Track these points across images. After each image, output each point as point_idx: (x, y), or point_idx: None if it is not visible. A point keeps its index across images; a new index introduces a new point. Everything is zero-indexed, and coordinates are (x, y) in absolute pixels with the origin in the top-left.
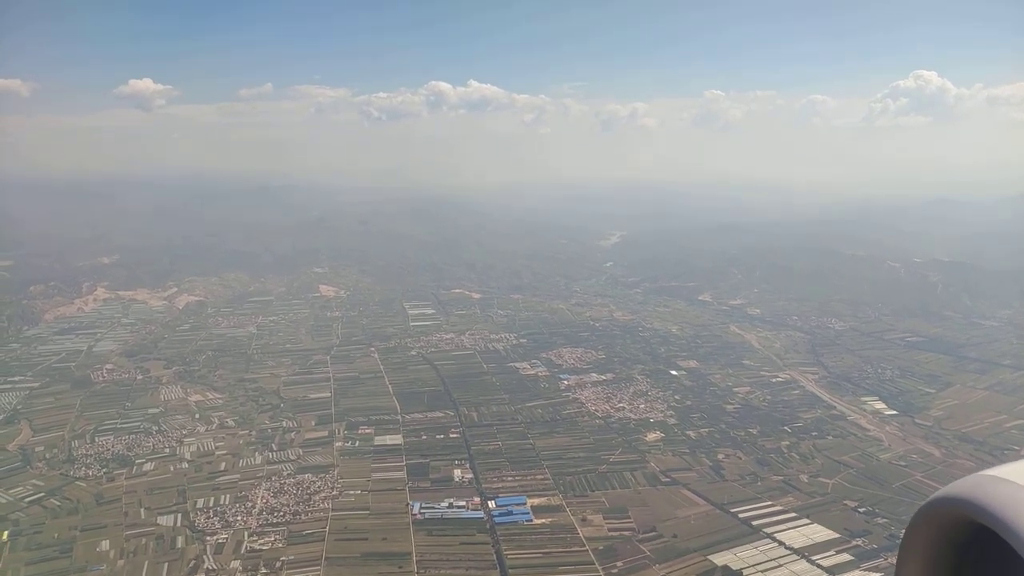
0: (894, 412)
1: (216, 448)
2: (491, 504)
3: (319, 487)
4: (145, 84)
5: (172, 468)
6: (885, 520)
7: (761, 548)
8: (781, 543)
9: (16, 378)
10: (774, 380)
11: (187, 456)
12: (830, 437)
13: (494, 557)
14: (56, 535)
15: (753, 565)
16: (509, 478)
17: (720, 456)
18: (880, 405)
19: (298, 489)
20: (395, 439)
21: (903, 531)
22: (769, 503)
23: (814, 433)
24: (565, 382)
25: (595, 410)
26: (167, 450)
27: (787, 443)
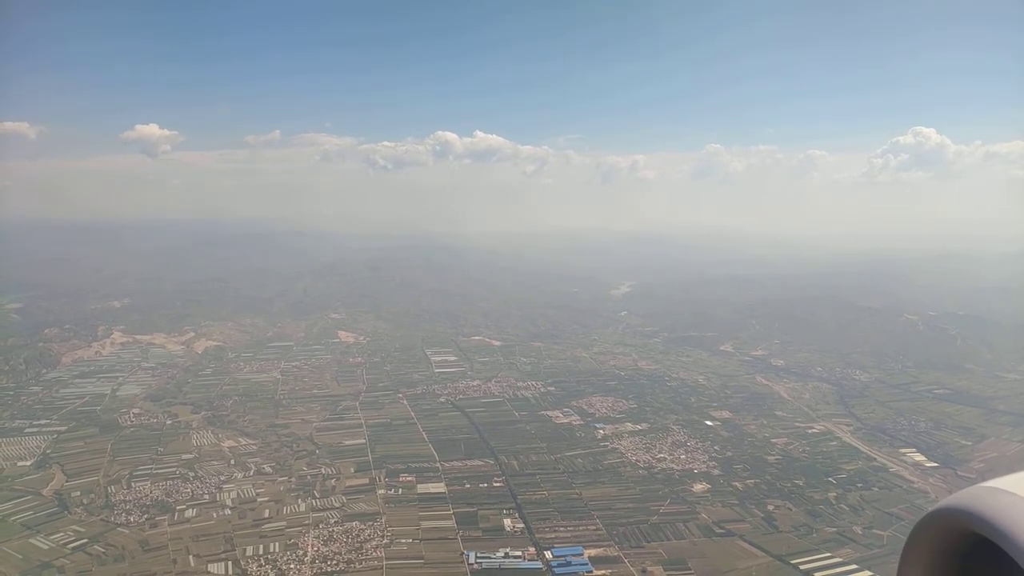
0: (935, 464)
1: (257, 495)
2: (548, 555)
3: (369, 535)
4: (151, 129)
5: (215, 515)
6: None
7: None
8: None
9: (42, 421)
10: (810, 431)
11: (228, 503)
12: (876, 489)
13: None
14: None
15: None
16: (561, 528)
17: (770, 507)
18: (920, 457)
19: (348, 537)
20: (438, 487)
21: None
22: (828, 555)
23: (859, 485)
24: (601, 431)
25: (636, 460)
26: (207, 496)
27: (834, 495)
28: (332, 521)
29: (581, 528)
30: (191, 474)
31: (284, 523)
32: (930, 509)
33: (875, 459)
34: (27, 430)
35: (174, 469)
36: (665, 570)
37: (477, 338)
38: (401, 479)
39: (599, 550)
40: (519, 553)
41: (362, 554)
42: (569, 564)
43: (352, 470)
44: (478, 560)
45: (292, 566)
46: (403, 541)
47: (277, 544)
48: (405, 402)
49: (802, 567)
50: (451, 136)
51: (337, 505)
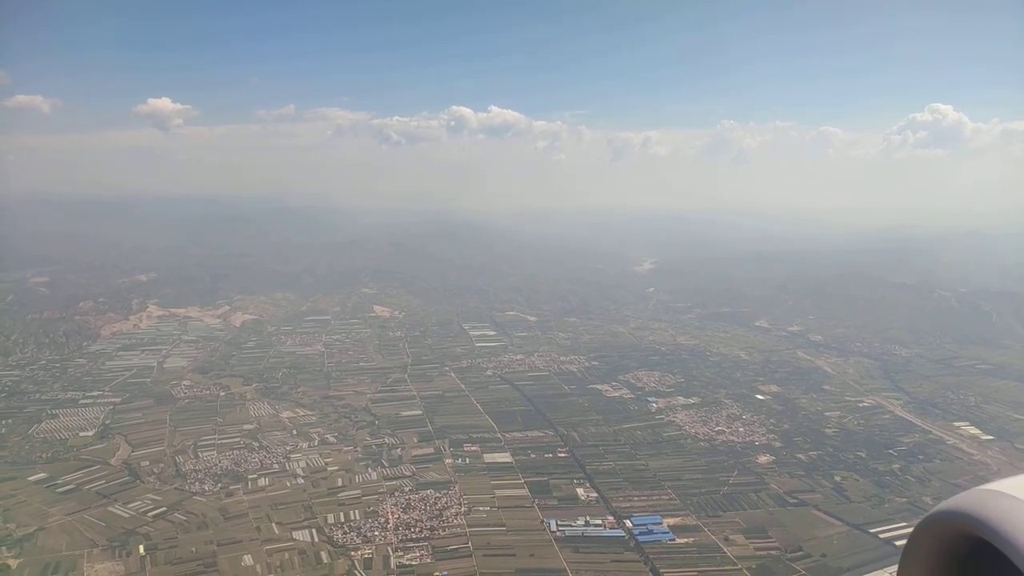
0: (991, 437)
1: (327, 464)
2: (627, 523)
3: (446, 503)
4: (163, 103)
5: (288, 484)
6: None
7: None
8: None
9: (94, 393)
10: (861, 405)
11: (299, 472)
12: (937, 461)
13: (650, 575)
14: (194, 549)
15: None
16: (635, 498)
17: (837, 478)
18: (975, 430)
19: (425, 505)
20: (504, 457)
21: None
22: (904, 524)
23: (920, 457)
24: (654, 405)
25: (695, 433)
26: (276, 466)
27: (898, 466)
28: (406, 489)
29: (654, 498)
30: (256, 444)
31: (359, 491)
32: (930, 511)
33: (931, 432)
34: (81, 401)
35: (237, 439)
36: (746, 538)
37: (511, 313)
38: (466, 449)
39: (677, 519)
40: (599, 521)
41: (443, 521)
42: (651, 532)
43: (415, 440)
44: (560, 528)
45: (376, 533)
46: (481, 509)
47: (356, 512)
48: (453, 375)
49: (881, 536)
50: (466, 111)
51: (407, 474)
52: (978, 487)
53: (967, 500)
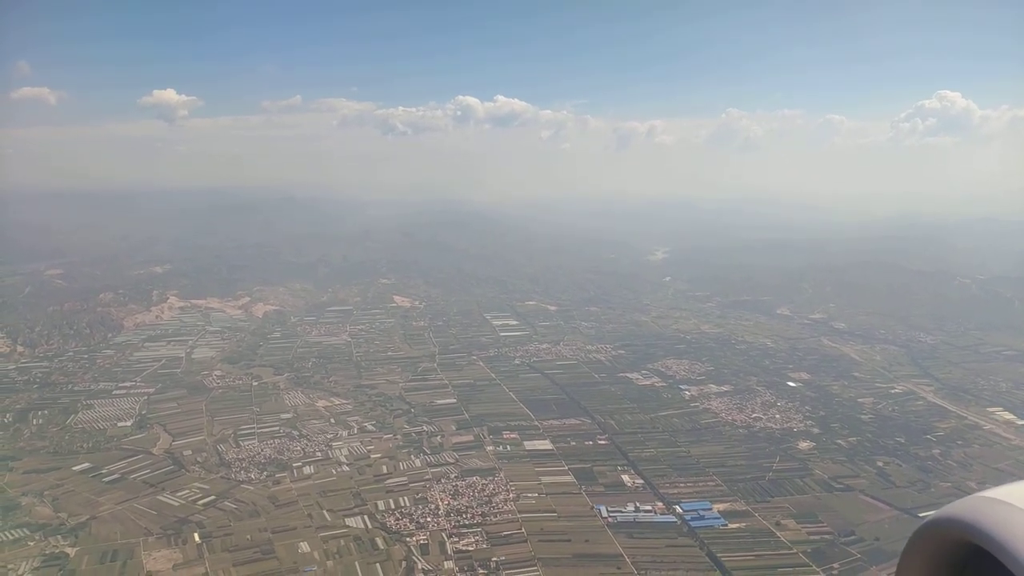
0: None
1: (369, 452)
2: (677, 509)
3: (494, 490)
4: (168, 94)
5: (334, 471)
6: None
7: None
8: None
9: (127, 384)
10: (893, 392)
11: (343, 459)
12: (976, 446)
13: (707, 559)
14: (249, 537)
15: None
16: (681, 484)
17: (880, 463)
18: (1009, 416)
19: (473, 491)
20: (544, 444)
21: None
22: None
23: (959, 442)
24: (687, 392)
25: (732, 420)
26: (319, 454)
27: (938, 451)
28: (452, 476)
29: (700, 484)
30: (295, 432)
31: (405, 478)
32: (927, 518)
33: (966, 418)
34: (115, 392)
35: (277, 428)
36: (798, 523)
37: (531, 303)
38: (505, 436)
39: (726, 504)
40: (648, 507)
41: (493, 507)
42: (702, 518)
43: (453, 428)
44: (611, 514)
45: (428, 519)
46: (529, 495)
47: (406, 498)
48: (481, 364)
49: None
50: (472, 101)
51: (451, 461)
52: (975, 494)
53: (964, 507)
